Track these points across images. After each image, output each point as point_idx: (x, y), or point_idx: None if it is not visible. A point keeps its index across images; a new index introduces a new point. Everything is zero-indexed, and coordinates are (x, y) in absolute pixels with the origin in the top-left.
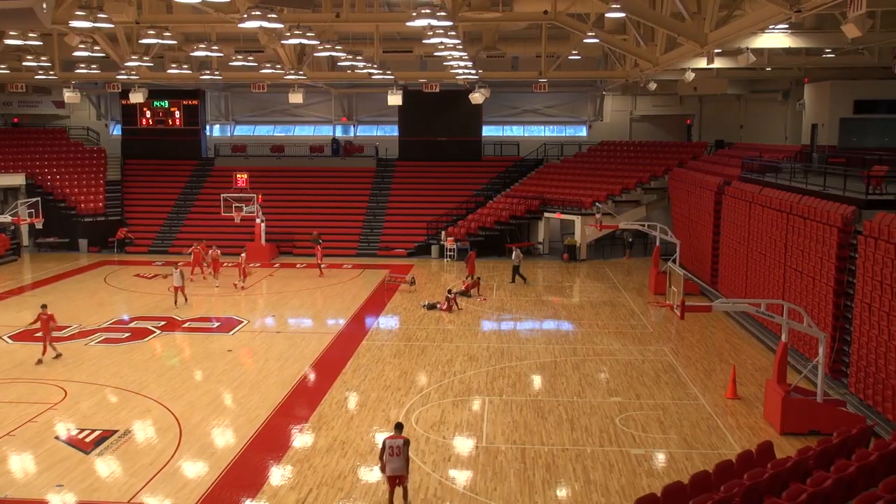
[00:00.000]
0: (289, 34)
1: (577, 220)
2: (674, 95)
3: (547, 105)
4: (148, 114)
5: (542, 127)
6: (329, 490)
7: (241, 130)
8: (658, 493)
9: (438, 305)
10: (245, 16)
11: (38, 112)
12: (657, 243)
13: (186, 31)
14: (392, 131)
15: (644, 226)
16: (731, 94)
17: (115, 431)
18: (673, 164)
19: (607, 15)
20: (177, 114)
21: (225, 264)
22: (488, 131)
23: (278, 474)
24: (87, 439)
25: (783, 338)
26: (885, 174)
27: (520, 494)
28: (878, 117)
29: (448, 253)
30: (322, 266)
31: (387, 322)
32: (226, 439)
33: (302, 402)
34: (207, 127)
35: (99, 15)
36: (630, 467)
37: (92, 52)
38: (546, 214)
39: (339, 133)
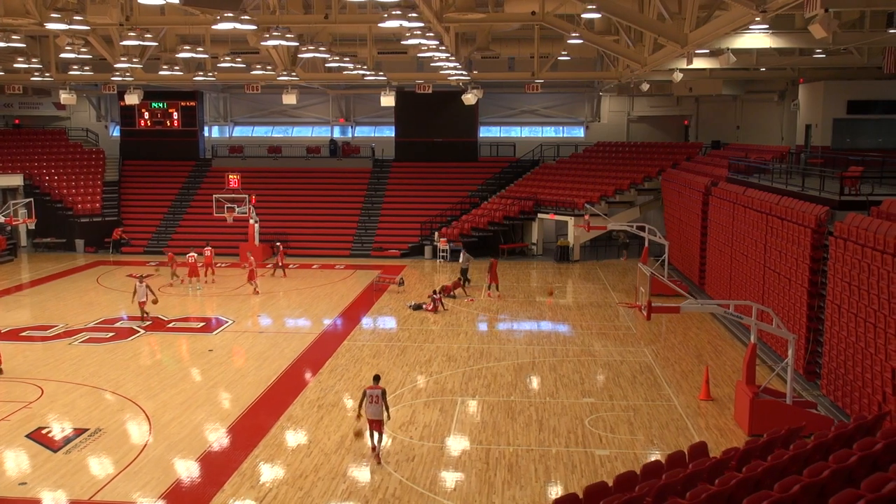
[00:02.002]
0: (267, 36)
1: (570, 221)
2: (670, 96)
3: (545, 106)
4: (146, 115)
5: (540, 128)
6: (289, 489)
7: (240, 132)
8: (580, 494)
9: (424, 306)
10: (218, 17)
11: (39, 114)
12: (646, 244)
13: (181, 32)
14: (390, 132)
15: (632, 226)
16: (727, 95)
17: (86, 430)
18: (667, 165)
19: (584, 15)
20: (175, 115)
21: (219, 264)
22: (486, 132)
23: (241, 473)
24: (57, 437)
25: (752, 339)
26: (860, 175)
27: (478, 494)
28: (872, 118)
29: (441, 254)
30: (281, 266)
31: (370, 322)
32: (193, 438)
33: (275, 401)
34: (206, 128)
35: (75, 17)
36: (592, 468)
37: (79, 54)
38: (539, 215)
39: (337, 134)
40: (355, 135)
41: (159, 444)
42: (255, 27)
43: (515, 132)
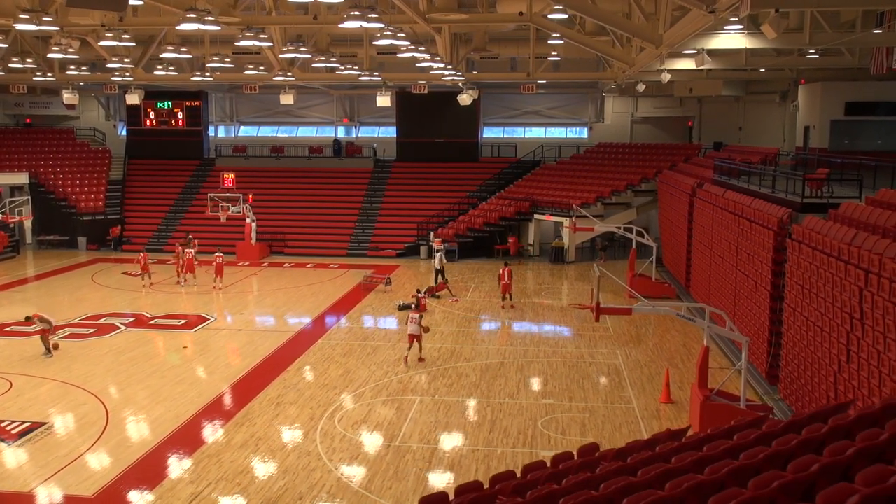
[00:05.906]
0: (241, 36)
1: (566, 222)
2: (673, 97)
3: (548, 107)
4: (152, 115)
5: (544, 129)
6: (227, 485)
7: (246, 131)
8: (450, 494)
9: (413, 306)
10: (181, 18)
11: (49, 113)
12: (633, 245)
13: (181, 33)
14: (393, 132)
15: (620, 227)
16: (728, 96)
17: (44, 423)
18: (666, 167)
19: (551, 16)
20: (180, 115)
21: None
22: (490, 133)
23: (183, 468)
24: (14, 430)
25: (704, 341)
26: (825, 177)
27: (412, 494)
28: (871, 119)
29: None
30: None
31: (350, 322)
32: (146, 433)
33: (235, 398)
34: (212, 128)
35: (44, 18)
36: None
37: (66, 55)
38: (536, 216)
39: (341, 134)
40: (359, 135)
41: (112, 438)
42: (219, 27)
43: (519, 133)
